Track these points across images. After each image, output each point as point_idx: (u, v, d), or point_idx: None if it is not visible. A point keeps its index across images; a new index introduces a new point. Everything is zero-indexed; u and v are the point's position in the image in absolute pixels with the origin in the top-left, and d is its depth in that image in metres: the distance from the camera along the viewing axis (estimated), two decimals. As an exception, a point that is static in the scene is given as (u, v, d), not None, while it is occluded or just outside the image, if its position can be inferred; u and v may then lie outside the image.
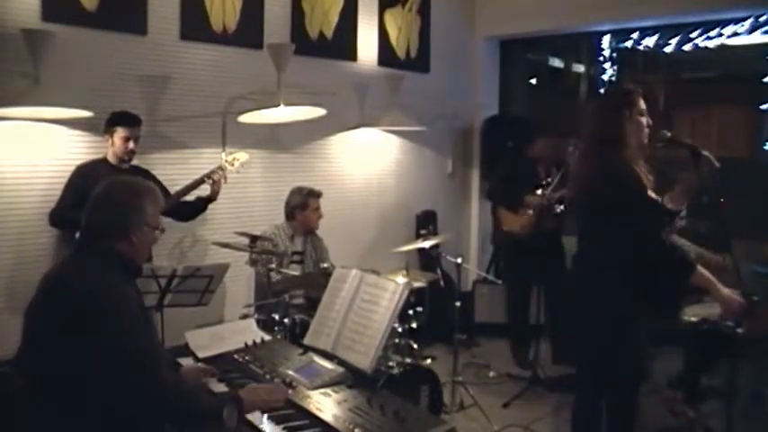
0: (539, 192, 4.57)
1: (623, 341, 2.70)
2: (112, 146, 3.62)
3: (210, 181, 3.89)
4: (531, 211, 4.58)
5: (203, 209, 3.99)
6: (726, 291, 2.64)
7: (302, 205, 4.23)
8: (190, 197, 3.92)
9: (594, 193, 2.75)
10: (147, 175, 3.67)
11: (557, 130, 4.75)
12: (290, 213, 4.26)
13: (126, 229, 2.03)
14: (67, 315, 1.90)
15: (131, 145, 3.62)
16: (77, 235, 2.12)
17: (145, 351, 1.93)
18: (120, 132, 3.60)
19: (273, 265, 3.76)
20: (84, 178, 3.47)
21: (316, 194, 4.27)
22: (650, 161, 2.78)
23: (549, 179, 4.58)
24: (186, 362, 2.61)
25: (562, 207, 4.42)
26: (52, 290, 2.01)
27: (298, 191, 4.28)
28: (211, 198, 3.95)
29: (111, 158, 3.64)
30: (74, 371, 1.88)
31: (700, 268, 2.64)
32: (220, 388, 2.38)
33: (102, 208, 2.05)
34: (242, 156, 4.06)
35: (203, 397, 2.12)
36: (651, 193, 2.72)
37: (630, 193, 2.64)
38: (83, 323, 1.87)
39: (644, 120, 2.73)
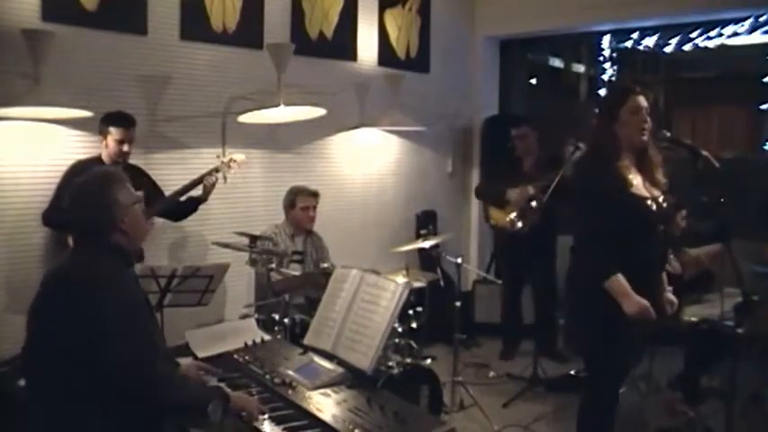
0: (522, 188, 4.58)
1: (594, 336, 2.73)
2: (106, 147, 3.58)
3: (203, 184, 3.86)
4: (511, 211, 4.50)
5: (194, 209, 3.96)
6: (636, 299, 2.59)
7: (290, 204, 4.23)
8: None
9: (572, 192, 2.87)
10: (140, 173, 3.66)
11: (532, 124, 4.94)
12: (285, 212, 4.27)
13: (111, 221, 2.06)
14: (67, 305, 1.93)
15: (125, 148, 3.57)
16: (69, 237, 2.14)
17: (139, 336, 1.95)
18: (113, 134, 3.54)
19: (273, 265, 3.76)
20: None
21: (305, 192, 4.24)
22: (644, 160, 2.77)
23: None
24: (185, 362, 2.60)
25: (535, 203, 4.32)
26: (53, 284, 2.05)
27: (289, 190, 4.29)
28: (202, 199, 3.91)
29: (105, 159, 3.60)
30: (73, 359, 1.89)
31: (618, 278, 2.59)
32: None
33: (79, 210, 2.08)
34: (238, 157, 4.04)
35: (190, 388, 2.15)
36: (639, 189, 2.68)
37: (590, 192, 2.70)
38: (81, 309, 1.90)
39: (636, 118, 2.68)
